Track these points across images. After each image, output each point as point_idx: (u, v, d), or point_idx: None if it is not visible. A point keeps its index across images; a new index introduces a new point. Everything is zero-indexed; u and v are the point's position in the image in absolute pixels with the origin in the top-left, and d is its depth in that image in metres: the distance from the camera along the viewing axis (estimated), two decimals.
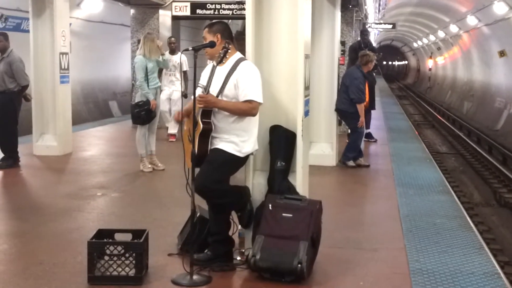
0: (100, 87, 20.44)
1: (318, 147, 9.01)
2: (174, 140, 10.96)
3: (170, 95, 11.04)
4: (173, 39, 11.40)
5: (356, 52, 11.60)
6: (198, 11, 13.12)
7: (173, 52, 11.10)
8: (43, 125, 9.73)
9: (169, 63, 9.33)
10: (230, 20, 14.42)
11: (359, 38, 12.98)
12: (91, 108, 19.75)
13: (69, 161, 9.34)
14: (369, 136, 11.58)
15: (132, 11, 13.64)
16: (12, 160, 8.66)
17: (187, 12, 13.23)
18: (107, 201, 6.90)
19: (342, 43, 11.73)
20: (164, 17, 13.36)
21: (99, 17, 18.33)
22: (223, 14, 12.94)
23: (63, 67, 9.73)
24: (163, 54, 8.33)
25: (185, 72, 11.12)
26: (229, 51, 4.48)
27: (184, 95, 9.64)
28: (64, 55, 9.78)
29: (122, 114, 19.80)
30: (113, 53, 20.24)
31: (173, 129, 11.17)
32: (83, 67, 17.90)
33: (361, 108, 8.71)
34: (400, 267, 4.78)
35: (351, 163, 8.83)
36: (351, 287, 4.41)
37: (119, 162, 9.24)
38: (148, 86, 8.03)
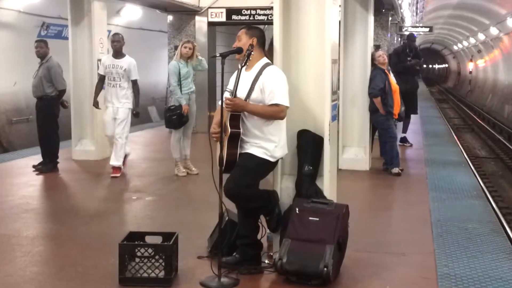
0: (140, 93, 20.73)
1: (351, 152, 9.01)
2: (118, 175, 8.39)
3: (114, 113, 8.45)
4: (117, 36, 8.69)
5: (399, 56, 11.58)
6: (234, 16, 13.24)
7: (117, 54, 8.56)
8: (82, 130, 9.97)
9: (205, 63, 8.61)
10: (266, 26, 14.50)
11: (402, 42, 12.89)
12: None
13: (107, 166, 9.46)
14: (404, 140, 11.51)
15: (169, 17, 13.86)
16: (52, 164, 8.90)
17: (222, 18, 13.36)
18: (141, 204, 7.05)
19: (377, 47, 11.69)
20: (201, 23, 13.53)
21: (138, 24, 18.65)
22: (258, 19, 13.03)
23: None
24: (196, 57, 8.35)
25: (134, 82, 8.54)
26: (252, 53, 4.54)
27: (135, 114, 8.59)
28: None
29: (160, 119, 20.05)
30: (152, 59, 20.52)
31: (116, 160, 8.46)
32: None
33: (377, 101, 8.65)
34: (428, 271, 4.77)
35: (396, 170, 8.68)
36: None
37: (154, 166, 9.41)
38: (181, 91, 8.16)
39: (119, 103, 8.42)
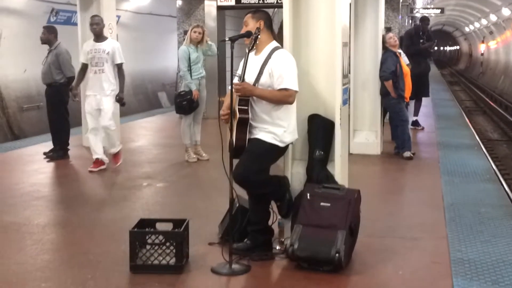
0: (150, 79, 20.73)
1: (363, 136, 8.94)
2: (95, 169, 7.81)
3: (97, 103, 7.75)
4: (96, 18, 7.99)
5: (412, 38, 11.46)
6: (243, 0, 13.12)
7: (98, 38, 7.91)
8: None
9: (215, 48, 8.45)
10: (276, 9, 14.38)
11: (412, 24, 12.78)
12: (141, 100, 20.08)
13: None
14: (416, 123, 11.43)
15: (178, 2, 13.78)
16: (62, 151, 8.89)
17: (232, 2, 13.23)
18: (152, 191, 7.04)
19: (388, 29, 11.57)
20: (210, 7, 13.43)
21: (147, 9, 18.59)
22: (268, 3, 12.92)
23: None
24: (206, 42, 8.28)
25: (119, 67, 7.92)
26: (259, 37, 4.48)
27: (120, 101, 7.97)
28: None
29: (171, 105, 20.03)
30: (162, 44, 20.48)
31: (113, 146, 7.99)
32: (132, 59, 18.15)
33: (389, 84, 8.56)
34: (441, 256, 4.72)
35: (407, 154, 8.61)
36: (389, 277, 4.39)
37: (165, 152, 9.39)
38: (191, 76, 8.11)
39: (102, 91, 7.73)
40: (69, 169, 8.43)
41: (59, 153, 8.83)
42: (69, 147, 9.02)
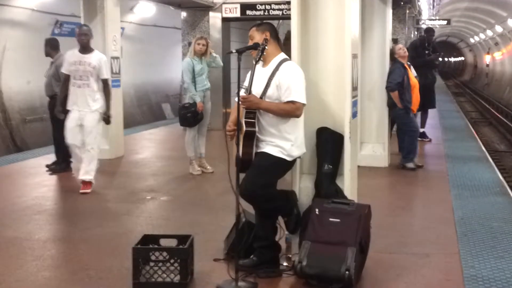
0: (153, 90, 20.67)
1: (370, 148, 8.83)
2: (88, 191, 7.23)
3: (81, 119, 7.19)
4: (85, 28, 7.54)
5: (417, 50, 11.36)
6: (248, 12, 13.05)
7: (84, 49, 7.34)
8: None
9: (219, 60, 8.35)
10: (281, 21, 14.31)
11: (418, 36, 12.72)
12: (145, 111, 20.00)
13: (121, 164, 9.42)
14: (423, 135, 11.29)
15: (183, 14, 13.72)
16: (65, 164, 8.77)
17: (237, 13, 13.18)
18: (155, 204, 6.91)
19: (395, 40, 11.47)
20: (215, 19, 13.37)
21: (151, 20, 18.55)
22: (273, 14, 12.84)
23: (114, 71, 9.82)
24: (210, 54, 8.17)
25: (105, 82, 7.34)
26: (266, 48, 4.37)
27: (107, 120, 7.40)
28: (116, 60, 9.88)
29: (175, 116, 19.95)
30: (166, 55, 20.43)
31: (86, 173, 7.28)
32: (136, 70, 18.14)
33: (394, 95, 8.44)
34: (454, 273, 4.58)
35: (411, 165, 8.52)
36: None
37: (169, 165, 9.27)
38: (195, 88, 8.00)
39: (87, 106, 7.15)
40: (71, 182, 8.27)
41: (61, 166, 8.71)
42: (71, 159, 8.89)
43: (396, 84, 8.38)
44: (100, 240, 5.45)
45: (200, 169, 8.35)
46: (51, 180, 8.25)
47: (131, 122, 17.09)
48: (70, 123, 7.24)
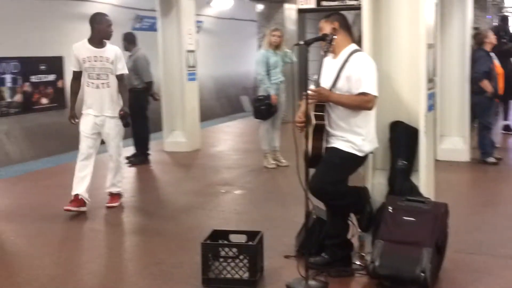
0: (232, 83, 20.80)
1: (449, 141, 8.47)
2: (116, 205, 6.39)
3: (101, 124, 6.13)
4: (109, 18, 6.31)
5: None
6: (324, 3, 12.84)
7: (100, 43, 6.17)
8: (172, 122, 9.95)
9: (292, 55, 8.08)
10: (358, 11, 14.02)
11: (493, 24, 12.19)
12: (224, 103, 20.15)
13: (197, 157, 9.50)
14: (507, 128, 10.77)
15: (258, 6, 13.68)
16: (143, 156, 8.94)
17: (312, 4, 13.00)
18: (229, 198, 6.90)
19: (476, 29, 10.98)
20: (290, 10, 13.25)
21: (229, 14, 18.66)
22: (349, 4, 12.58)
23: (190, 65, 9.90)
24: (278, 47, 8.05)
25: (121, 78, 6.20)
26: (334, 37, 4.22)
27: (126, 117, 6.16)
28: (191, 53, 9.94)
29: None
30: (244, 48, 20.50)
31: (114, 185, 6.45)
32: (215, 64, 18.29)
33: (484, 84, 8.05)
34: None
35: (491, 159, 8.16)
36: None
37: (244, 158, 9.26)
38: (269, 80, 7.92)
39: (107, 110, 6.09)
40: (149, 175, 8.45)
41: (140, 158, 8.88)
42: (149, 152, 9.05)
43: (482, 73, 8.03)
44: (173, 233, 5.48)
45: (274, 162, 8.29)
46: (129, 172, 8.39)
47: (211, 114, 17.27)
48: (85, 129, 6.11)
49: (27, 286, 4.30)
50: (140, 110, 8.75)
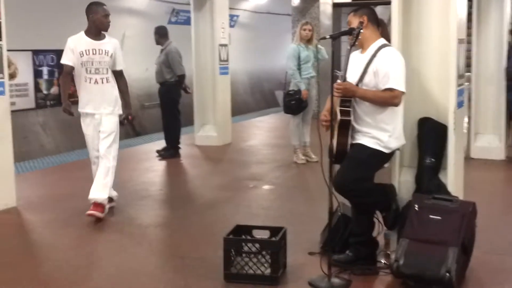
0: (266, 77, 20.75)
1: (484, 139, 8.27)
2: (101, 215, 5.53)
3: (98, 123, 5.73)
4: (106, 8, 5.79)
5: None
6: None
7: (98, 35, 5.75)
8: (204, 115, 9.96)
9: (324, 52, 8.12)
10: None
11: None
12: (258, 98, 20.13)
13: (227, 152, 9.49)
14: None
15: (294, 0, 13.60)
16: (174, 150, 8.97)
17: None
18: (257, 193, 6.86)
19: None
20: (325, 5, 13.11)
21: (265, 8, 18.61)
22: None
23: (222, 59, 9.89)
24: (309, 41, 7.96)
25: (120, 74, 5.88)
26: (361, 31, 4.13)
27: (126, 118, 5.98)
28: (224, 47, 9.93)
29: None
30: (279, 43, 20.41)
31: (99, 192, 5.62)
32: (250, 58, 18.29)
33: None
34: None
35: None
36: None
37: (274, 153, 9.22)
38: (300, 75, 7.85)
39: (107, 107, 5.71)
40: (178, 168, 8.46)
41: (170, 152, 8.91)
42: (180, 145, 9.07)
43: None
44: (198, 227, 5.47)
45: (304, 158, 8.22)
46: (160, 166, 8.44)
47: (245, 109, 17.28)
48: (89, 131, 5.77)
49: (50, 277, 4.34)
50: (172, 104, 8.78)
